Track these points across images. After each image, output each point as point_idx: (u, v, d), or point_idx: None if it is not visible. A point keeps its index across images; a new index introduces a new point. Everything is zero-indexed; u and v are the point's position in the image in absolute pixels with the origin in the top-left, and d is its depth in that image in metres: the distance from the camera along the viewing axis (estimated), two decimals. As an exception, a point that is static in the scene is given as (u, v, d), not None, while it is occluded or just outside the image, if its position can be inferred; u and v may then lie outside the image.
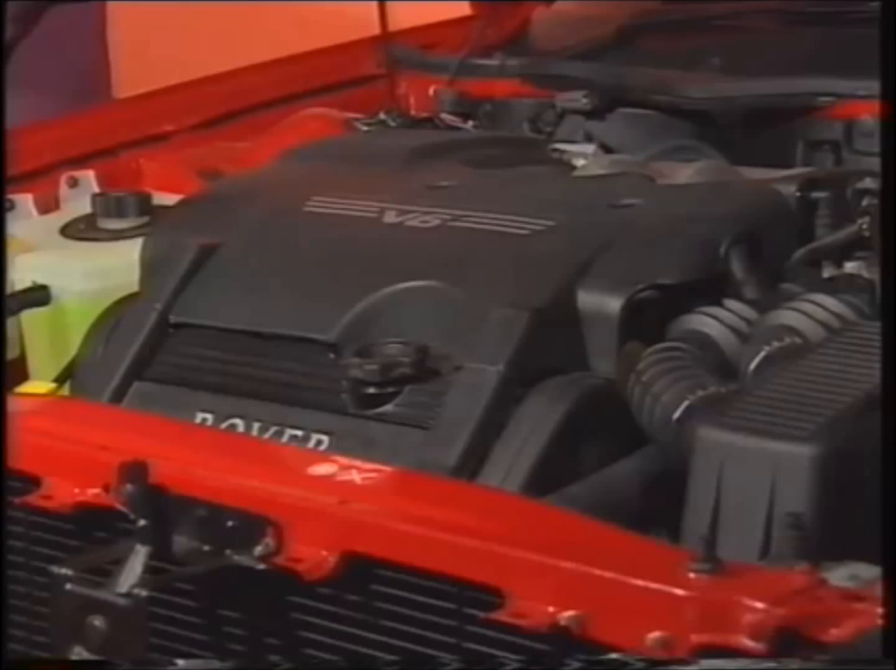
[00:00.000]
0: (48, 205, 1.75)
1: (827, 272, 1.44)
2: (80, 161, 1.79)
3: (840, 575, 1.06)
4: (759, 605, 1.04)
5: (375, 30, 1.94)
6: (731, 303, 1.37)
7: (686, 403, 1.28)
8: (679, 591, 1.07)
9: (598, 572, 1.11)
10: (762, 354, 1.30)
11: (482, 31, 1.98)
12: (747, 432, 1.16)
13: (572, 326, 1.36)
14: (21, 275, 1.60)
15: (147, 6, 2.75)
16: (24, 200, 1.74)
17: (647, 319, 1.37)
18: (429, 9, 2.06)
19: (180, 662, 1.22)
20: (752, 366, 1.30)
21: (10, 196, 1.73)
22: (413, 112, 1.94)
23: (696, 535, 1.13)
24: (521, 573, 1.13)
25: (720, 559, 1.08)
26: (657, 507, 1.24)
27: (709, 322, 1.36)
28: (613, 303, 1.35)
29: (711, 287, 1.39)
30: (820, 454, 1.13)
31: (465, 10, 2.04)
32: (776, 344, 1.31)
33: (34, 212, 1.74)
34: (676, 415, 1.28)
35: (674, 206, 1.48)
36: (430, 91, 1.95)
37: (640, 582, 1.09)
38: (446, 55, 1.98)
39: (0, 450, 1.25)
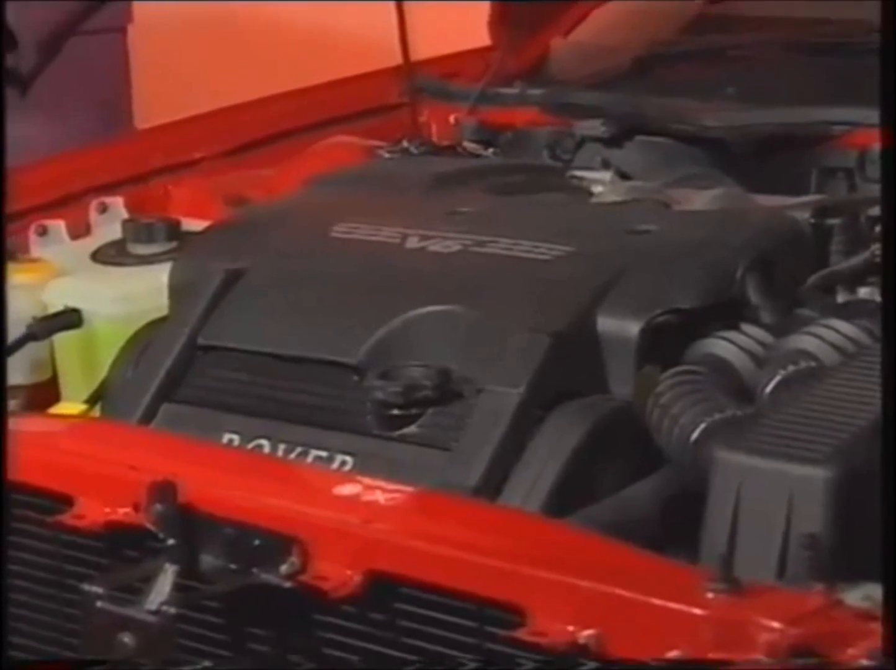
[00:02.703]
0: (79, 231, 1.75)
1: (841, 297, 1.43)
2: (111, 188, 1.80)
3: (855, 596, 1.06)
4: (776, 625, 1.03)
5: (398, 60, 1.94)
6: (747, 327, 1.37)
7: (703, 425, 1.27)
8: (697, 611, 1.06)
9: (617, 591, 1.11)
10: (778, 378, 1.30)
11: (502, 62, 1.99)
12: (764, 454, 1.16)
13: (591, 350, 1.36)
14: (53, 299, 1.61)
15: (170, 35, 2.76)
16: (57, 226, 1.74)
17: (664, 343, 1.37)
18: (450, 39, 2.07)
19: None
20: (769, 389, 1.30)
21: (43, 222, 1.73)
22: (435, 140, 1.94)
23: (714, 555, 1.13)
24: (542, 592, 1.13)
25: (737, 579, 1.07)
26: (675, 527, 1.24)
27: (725, 346, 1.36)
28: (632, 328, 1.35)
29: (728, 311, 1.38)
30: (835, 476, 1.13)
31: (485, 40, 2.04)
32: (792, 367, 1.30)
33: (66, 237, 1.74)
34: (694, 436, 1.27)
35: (690, 232, 1.48)
36: (452, 119, 1.95)
37: (658, 602, 1.08)
38: (467, 84, 1.98)
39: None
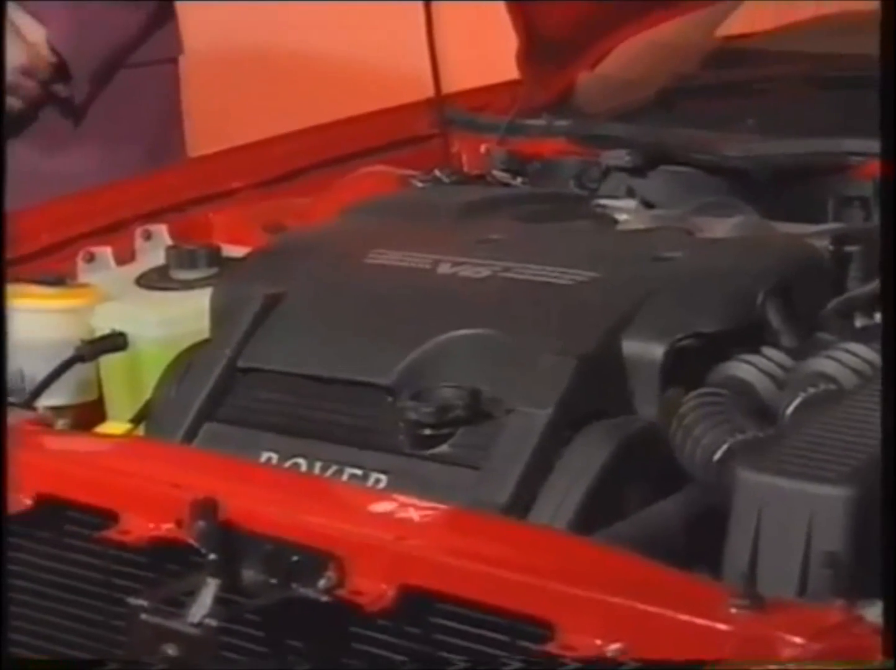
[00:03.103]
0: (125, 258, 1.75)
1: (859, 322, 1.42)
2: (155, 216, 1.80)
3: (875, 612, 1.05)
4: (798, 640, 1.03)
5: (430, 92, 1.94)
6: (768, 350, 1.37)
7: (726, 446, 1.27)
8: (721, 626, 1.06)
9: (643, 607, 1.10)
10: (798, 400, 1.30)
11: (530, 94, 1.98)
12: (785, 474, 1.15)
13: (617, 372, 1.36)
14: (100, 323, 1.61)
15: (219, 68, 2.77)
16: (103, 253, 1.74)
17: (688, 366, 1.36)
18: (480, 72, 2.07)
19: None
20: (789, 411, 1.30)
21: (91, 249, 1.73)
22: (466, 169, 1.94)
23: (737, 572, 1.12)
24: (570, 607, 1.12)
25: (760, 595, 1.07)
26: (699, 544, 1.23)
27: (747, 369, 1.35)
28: (656, 351, 1.35)
29: (749, 335, 1.38)
30: (854, 496, 1.12)
31: (513, 74, 2.04)
32: (812, 390, 1.30)
33: (112, 263, 1.74)
34: (717, 457, 1.27)
35: (713, 259, 1.47)
36: (482, 149, 1.95)
37: (683, 617, 1.08)
38: (496, 116, 1.98)
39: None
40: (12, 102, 2.08)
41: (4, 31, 1.80)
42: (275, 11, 3.02)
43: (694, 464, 1.29)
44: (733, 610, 1.06)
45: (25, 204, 1.87)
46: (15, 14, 2.06)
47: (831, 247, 1.47)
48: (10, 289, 1.65)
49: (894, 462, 1.07)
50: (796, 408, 1.29)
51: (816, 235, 1.51)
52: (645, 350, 1.35)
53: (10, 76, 2.05)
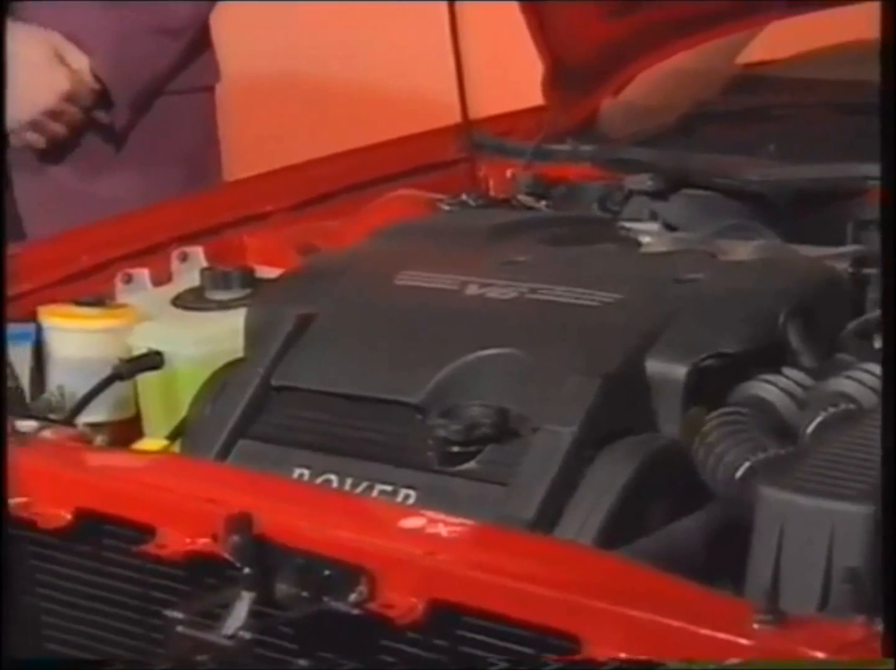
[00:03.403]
0: (161, 279, 1.75)
1: (878, 343, 1.42)
2: (191, 239, 1.80)
3: (895, 627, 1.04)
4: (820, 655, 1.02)
5: (457, 118, 1.94)
6: (789, 370, 1.36)
7: (748, 464, 1.26)
8: (744, 641, 1.05)
9: (666, 621, 1.09)
10: (819, 419, 1.29)
11: (555, 120, 1.98)
12: (806, 492, 1.15)
13: (641, 391, 1.35)
14: (137, 342, 1.61)
15: (253, 95, 2.78)
16: (141, 274, 1.74)
17: (710, 385, 1.35)
18: (506, 99, 2.07)
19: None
20: (810, 429, 1.29)
21: (129, 270, 1.73)
22: (492, 193, 1.93)
23: (759, 588, 1.11)
24: (595, 621, 1.11)
25: (782, 611, 1.06)
26: (721, 560, 1.22)
27: (768, 388, 1.34)
28: (679, 370, 1.34)
29: (770, 356, 1.37)
30: (874, 513, 1.11)
31: (539, 100, 2.04)
32: (832, 409, 1.29)
33: (149, 284, 1.74)
34: (739, 474, 1.26)
35: (734, 281, 1.47)
36: (508, 174, 1.94)
37: (706, 632, 1.07)
38: (522, 141, 1.97)
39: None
40: (56, 128, 2.08)
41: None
42: (308, 39, 3.03)
43: (716, 482, 1.29)
44: (756, 626, 1.05)
45: (67, 226, 1.88)
46: (59, 42, 2.07)
47: (850, 270, 1.47)
48: (52, 309, 1.66)
49: (894, 461, 1.06)
50: (817, 427, 1.28)
51: (836, 258, 1.50)
52: (668, 369, 1.34)
53: (54, 102, 2.06)
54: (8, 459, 1.28)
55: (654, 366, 1.35)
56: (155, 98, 2.14)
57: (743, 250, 1.58)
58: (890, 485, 1.06)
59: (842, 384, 1.32)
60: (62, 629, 1.36)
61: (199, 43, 2.19)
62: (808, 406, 1.32)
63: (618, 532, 1.28)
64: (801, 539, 1.13)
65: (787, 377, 1.35)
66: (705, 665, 1.04)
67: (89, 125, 2.11)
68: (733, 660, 1.03)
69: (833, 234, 1.65)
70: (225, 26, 2.25)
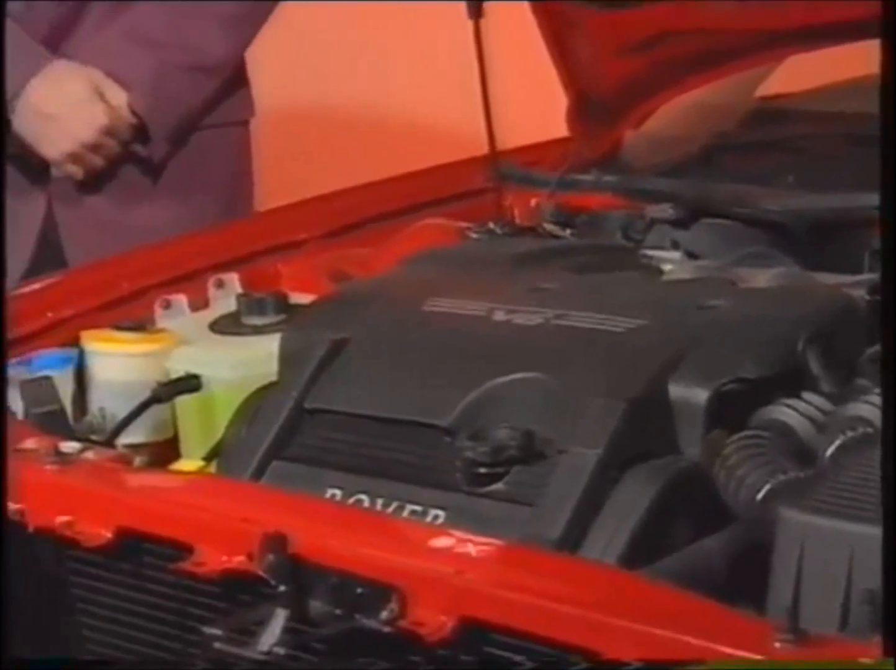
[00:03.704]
0: (199, 305, 1.75)
1: None
2: (227, 266, 1.80)
3: (913, 647, 1.03)
4: (840, 674, 1.01)
5: (484, 149, 1.94)
6: (808, 395, 1.35)
7: (769, 486, 1.26)
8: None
9: (689, 639, 1.08)
10: (837, 442, 1.28)
11: (579, 151, 1.98)
12: (826, 514, 1.14)
13: (663, 415, 1.34)
14: (175, 366, 1.61)
15: (286, 127, 2.79)
16: (179, 300, 1.74)
17: (731, 409, 1.34)
18: (531, 130, 2.07)
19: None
20: (829, 453, 1.28)
21: (167, 297, 1.73)
22: (518, 222, 1.93)
23: (780, 607, 1.11)
24: (619, 639, 1.11)
25: (803, 630, 1.05)
26: (743, 580, 1.21)
27: (788, 412, 1.34)
28: (701, 395, 1.34)
29: (790, 381, 1.36)
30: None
31: (563, 132, 2.04)
32: (850, 433, 1.28)
33: (187, 310, 1.74)
34: (760, 496, 1.25)
35: (754, 308, 1.46)
36: (533, 203, 1.94)
37: (727, 650, 1.06)
38: (547, 171, 1.97)
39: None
40: (95, 161, 2.09)
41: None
42: (339, 73, 3.04)
43: (738, 503, 1.28)
44: (777, 645, 1.04)
45: (106, 255, 1.89)
46: (99, 78, 2.08)
47: (867, 297, 1.46)
48: (94, 334, 1.67)
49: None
50: (836, 451, 1.28)
51: (853, 285, 1.50)
52: (690, 394, 1.34)
53: (94, 136, 2.07)
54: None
55: (677, 390, 1.35)
56: (191, 132, 2.15)
57: (762, 278, 1.58)
58: (889, 484, 1.05)
59: (860, 408, 1.31)
60: (102, 643, 1.36)
61: (235, 80, 2.20)
62: (826, 430, 1.31)
63: (641, 552, 1.27)
64: (821, 560, 1.13)
65: (806, 401, 1.35)
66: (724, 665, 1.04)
67: (127, 158, 2.12)
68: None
69: (850, 263, 1.64)
70: (259, 60, 2.26)
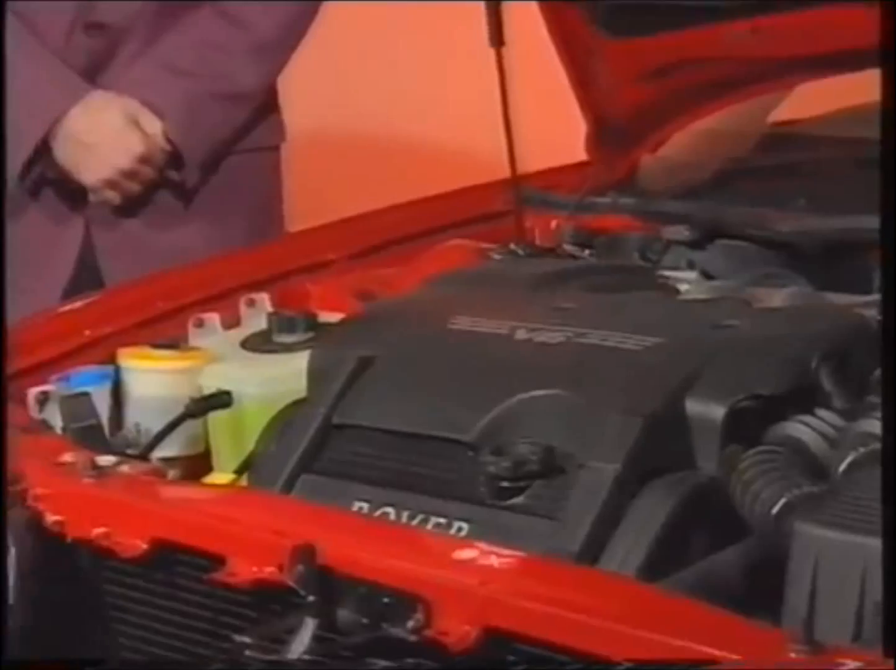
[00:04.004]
0: (231, 323, 1.75)
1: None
2: (258, 286, 1.80)
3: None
4: (854, 684, 1.00)
5: (506, 173, 1.94)
6: (821, 412, 1.34)
7: (784, 500, 1.25)
8: (781, 669, 1.03)
9: (706, 649, 1.08)
10: (850, 458, 1.27)
11: (597, 175, 1.98)
12: (839, 527, 1.13)
13: (681, 431, 1.34)
14: (208, 382, 1.61)
15: (314, 151, 2.79)
16: (212, 319, 1.74)
17: (746, 425, 1.34)
18: (551, 155, 2.07)
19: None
20: (842, 468, 1.27)
21: (200, 315, 1.73)
22: (538, 243, 1.93)
23: (795, 618, 1.10)
24: (637, 649, 1.10)
25: (818, 641, 1.04)
26: (758, 592, 1.20)
27: (801, 428, 1.33)
28: (717, 411, 1.33)
29: (804, 398, 1.35)
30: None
31: (582, 156, 2.04)
32: (862, 449, 1.27)
33: (219, 328, 1.74)
34: (775, 510, 1.24)
35: (769, 327, 1.45)
36: (553, 225, 1.94)
37: (744, 661, 1.05)
38: (567, 194, 1.97)
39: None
40: (131, 186, 2.10)
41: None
42: (365, 99, 3.05)
43: (753, 517, 1.27)
44: (793, 655, 1.03)
45: (141, 275, 1.89)
46: (135, 108, 2.08)
47: (878, 317, 1.45)
48: (130, 351, 1.67)
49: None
50: (848, 466, 1.27)
51: (864, 305, 1.49)
52: (707, 410, 1.33)
53: (130, 163, 2.07)
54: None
55: (694, 406, 1.34)
56: (223, 158, 2.15)
57: (776, 298, 1.57)
58: (890, 482, 1.04)
59: (872, 425, 1.30)
60: (137, 650, 1.35)
61: (266, 106, 2.19)
62: (839, 445, 1.30)
63: (659, 564, 1.26)
64: (835, 573, 1.12)
65: (819, 418, 1.34)
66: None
67: (161, 183, 2.12)
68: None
69: (861, 283, 1.63)
70: (290, 86, 2.26)
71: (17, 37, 2.04)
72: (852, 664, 1.00)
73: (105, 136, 2.05)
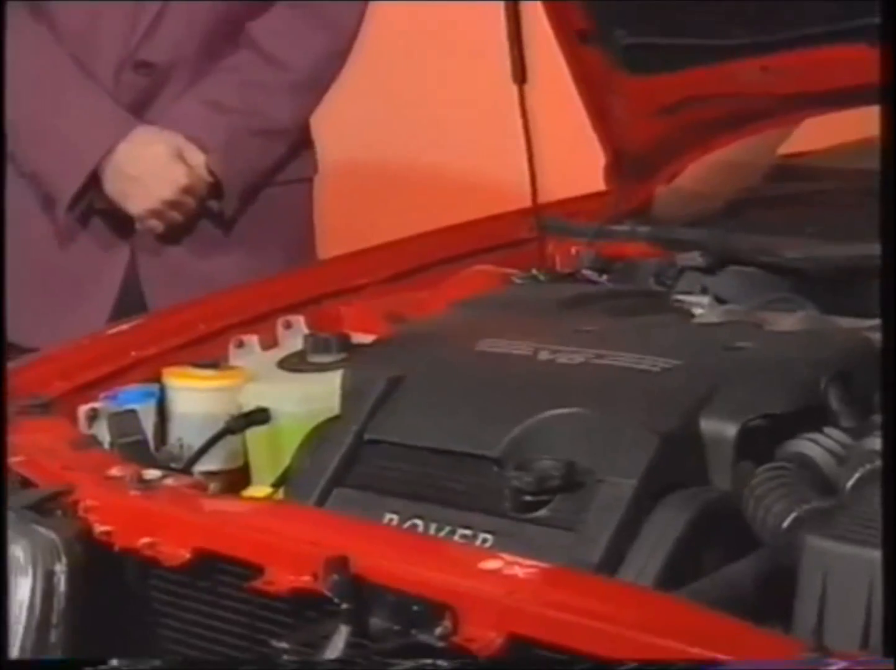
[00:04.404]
0: (269, 344, 1.75)
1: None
2: (294, 308, 1.80)
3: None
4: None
5: (528, 202, 1.94)
6: (829, 430, 1.34)
7: (794, 514, 1.24)
8: (793, 676, 1.03)
9: (719, 656, 1.07)
10: (857, 475, 1.26)
11: (615, 204, 1.98)
12: (848, 541, 1.13)
13: (695, 448, 1.33)
14: (247, 400, 1.61)
15: (345, 181, 2.80)
16: (251, 340, 1.74)
17: (758, 443, 1.33)
18: (571, 184, 2.07)
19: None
20: (849, 484, 1.26)
21: (240, 337, 1.73)
22: (559, 269, 1.93)
23: (805, 627, 1.09)
24: (654, 655, 1.09)
25: (827, 648, 1.04)
26: (770, 602, 1.20)
27: (811, 446, 1.32)
28: (730, 429, 1.33)
29: (812, 417, 1.35)
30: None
31: (600, 186, 2.04)
32: (869, 466, 1.26)
33: (258, 349, 1.74)
34: (786, 524, 1.24)
35: (779, 349, 1.45)
36: (573, 251, 1.94)
37: (747, 661, 1.05)
38: (586, 222, 1.97)
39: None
40: (174, 216, 2.11)
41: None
42: (395, 133, 3.05)
43: (765, 530, 1.26)
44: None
45: (182, 300, 1.90)
46: (180, 142, 2.10)
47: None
48: (174, 371, 1.67)
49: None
50: (856, 482, 1.26)
51: (870, 329, 1.48)
52: (720, 428, 1.33)
53: (174, 194, 2.09)
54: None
55: (708, 425, 1.34)
56: (260, 190, 2.17)
57: (786, 321, 1.57)
58: (890, 481, 1.03)
59: (877, 443, 1.29)
60: (180, 653, 1.35)
61: (300, 141, 2.21)
62: (847, 462, 1.30)
63: (675, 575, 1.26)
64: (843, 584, 1.11)
65: (827, 436, 1.33)
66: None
67: (203, 213, 2.14)
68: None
69: (866, 307, 1.62)
70: (322, 121, 2.27)
71: (68, 73, 2.05)
72: (841, 663, 0.99)
73: (151, 168, 2.06)
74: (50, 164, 2.07)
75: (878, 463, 1.27)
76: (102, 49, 2.07)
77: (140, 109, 2.11)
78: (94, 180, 2.07)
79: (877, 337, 1.44)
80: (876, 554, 1.10)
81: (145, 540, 1.34)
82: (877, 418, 1.36)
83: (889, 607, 0.99)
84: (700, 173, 2.02)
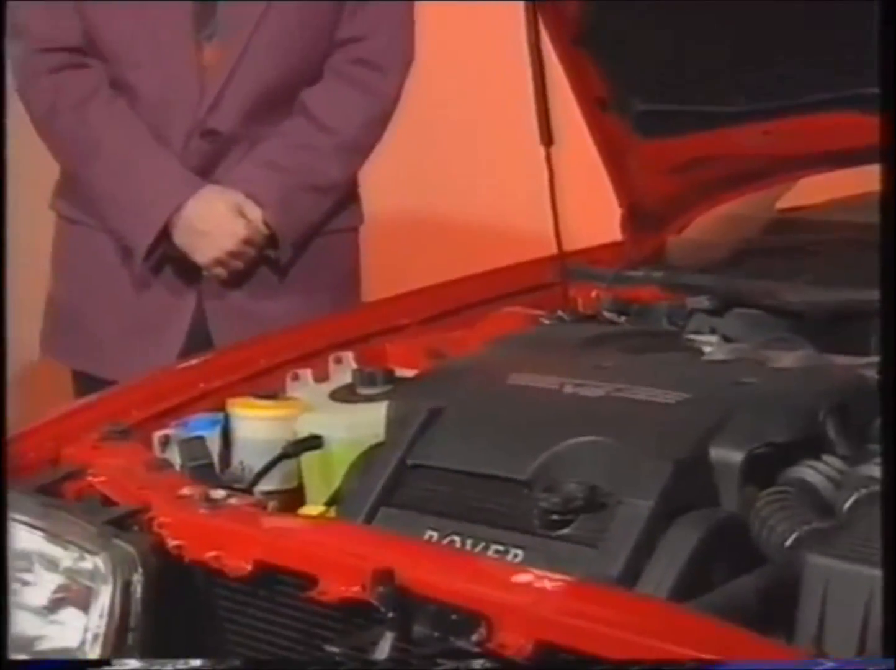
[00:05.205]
0: (321, 377, 1.76)
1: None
2: (344, 345, 1.81)
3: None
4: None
5: (554, 250, 1.95)
6: (828, 457, 1.33)
7: (795, 534, 1.23)
8: (796, 682, 1.02)
9: (728, 663, 1.06)
10: (854, 498, 1.26)
11: (631, 252, 1.98)
12: (846, 559, 1.12)
13: (706, 473, 1.33)
14: (302, 428, 1.61)
15: (391, 232, 2.81)
16: (305, 374, 1.75)
17: (762, 469, 1.33)
18: (592, 235, 2.07)
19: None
20: (846, 506, 1.25)
21: (296, 370, 1.74)
22: (581, 310, 1.93)
23: (807, 637, 1.08)
24: (668, 660, 1.09)
25: (827, 656, 1.02)
26: (774, 614, 1.19)
27: (810, 472, 1.32)
28: (737, 457, 1.32)
29: (812, 445, 1.34)
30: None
31: (618, 236, 2.04)
32: (864, 490, 1.26)
33: (312, 382, 1.75)
34: (788, 543, 1.23)
35: (782, 384, 1.44)
36: (594, 295, 1.94)
37: (746, 661, 1.04)
38: (605, 268, 1.97)
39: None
40: (236, 264, 2.14)
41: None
42: (433, 187, 3.07)
43: (769, 548, 1.26)
44: (803, 666, 1.02)
45: (244, 338, 1.91)
46: (240, 199, 2.12)
47: (877, 376, 1.43)
48: (237, 401, 1.68)
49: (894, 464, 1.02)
50: (852, 505, 1.25)
51: (864, 366, 1.47)
52: (728, 456, 1.32)
53: (236, 245, 2.12)
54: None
55: (717, 452, 1.33)
56: (311, 239, 2.19)
57: (787, 359, 1.56)
58: (890, 481, 1.02)
59: (872, 469, 1.29)
60: (243, 656, 1.35)
61: (348, 195, 2.23)
62: (843, 487, 1.29)
63: (687, 588, 1.25)
64: (842, 598, 1.10)
65: (826, 463, 1.32)
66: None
67: (261, 261, 2.16)
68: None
69: (860, 346, 1.62)
70: (367, 176, 2.29)
71: (144, 142, 2.09)
72: (830, 663, 0.98)
73: (215, 223, 2.09)
74: (128, 220, 2.10)
75: (873, 487, 1.26)
76: (175, 119, 2.10)
77: (206, 171, 2.13)
78: (165, 234, 2.10)
79: (870, 373, 1.43)
80: (871, 572, 1.09)
81: (212, 553, 1.34)
82: (871, 446, 1.35)
83: (889, 604, 0.98)
84: (708, 225, 2.02)
